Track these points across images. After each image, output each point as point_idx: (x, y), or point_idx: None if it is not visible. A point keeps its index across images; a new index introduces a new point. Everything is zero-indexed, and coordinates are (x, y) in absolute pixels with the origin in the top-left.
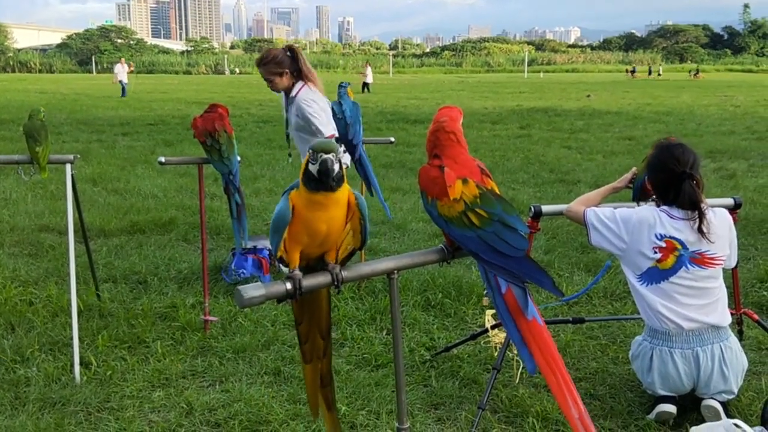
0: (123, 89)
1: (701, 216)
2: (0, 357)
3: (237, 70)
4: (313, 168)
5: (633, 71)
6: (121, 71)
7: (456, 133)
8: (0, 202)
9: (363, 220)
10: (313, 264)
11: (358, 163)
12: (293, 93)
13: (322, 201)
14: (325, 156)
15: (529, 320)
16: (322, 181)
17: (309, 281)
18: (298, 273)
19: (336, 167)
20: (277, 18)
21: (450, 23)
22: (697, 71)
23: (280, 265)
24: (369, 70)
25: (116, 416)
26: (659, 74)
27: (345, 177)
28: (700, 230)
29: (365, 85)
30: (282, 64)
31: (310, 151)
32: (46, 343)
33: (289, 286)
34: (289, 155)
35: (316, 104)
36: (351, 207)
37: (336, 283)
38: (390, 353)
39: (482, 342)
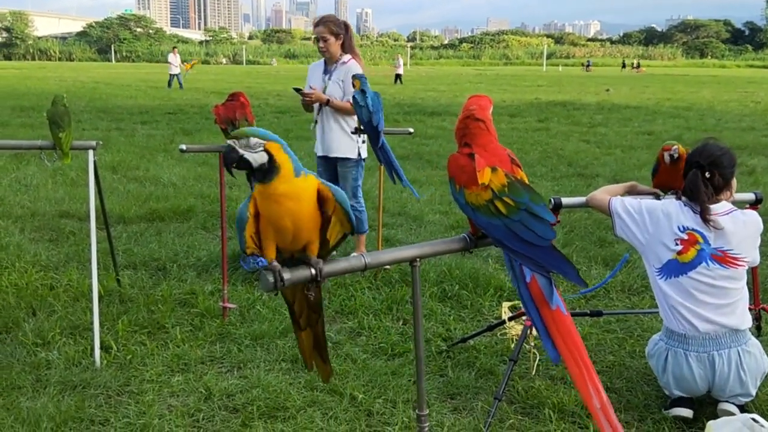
0: (175, 79)
1: (702, 207)
2: (22, 340)
3: (224, 61)
4: None
5: (588, 65)
6: (175, 62)
7: (485, 122)
8: (21, 188)
9: (346, 213)
10: (299, 257)
11: (380, 150)
12: (342, 61)
13: (273, 194)
14: (228, 141)
15: (553, 309)
16: (226, 168)
17: (292, 274)
18: (276, 265)
19: (235, 154)
20: (295, 9)
21: (468, 15)
22: (638, 65)
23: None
24: (401, 62)
25: (136, 400)
26: (633, 66)
27: (289, 170)
28: (704, 219)
29: (398, 76)
30: (340, 28)
31: None
32: (66, 327)
33: (313, 271)
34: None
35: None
36: (330, 201)
37: (317, 277)
38: (406, 343)
39: (499, 333)
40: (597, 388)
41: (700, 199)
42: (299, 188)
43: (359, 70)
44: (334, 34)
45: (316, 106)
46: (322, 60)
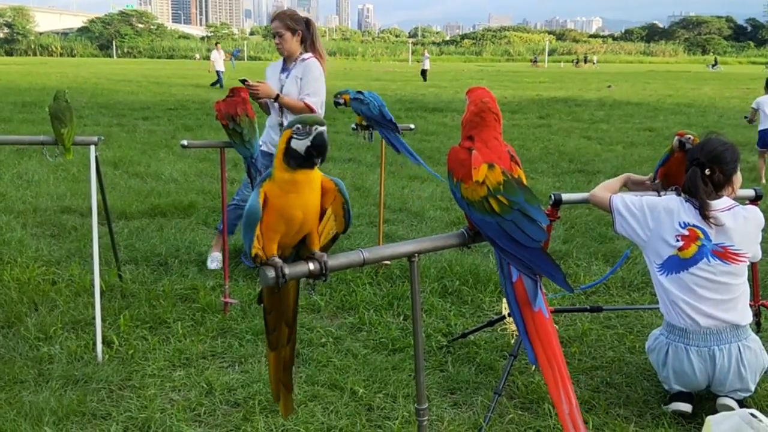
0: (219, 79)
1: (702, 205)
2: (24, 335)
3: (197, 56)
4: (301, 143)
5: (535, 61)
6: (218, 59)
7: (498, 115)
8: (23, 183)
9: (346, 204)
10: (288, 255)
11: (395, 140)
12: (302, 57)
13: (300, 181)
14: (320, 128)
15: (534, 311)
16: (313, 156)
17: (292, 270)
18: (278, 260)
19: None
20: (296, 4)
21: (470, 11)
22: (577, 60)
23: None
24: (427, 56)
25: (138, 394)
26: (594, 63)
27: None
28: (704, 216)
29: (423, 72)
30: (297, 23)
31: (298, 125)
32: (68, 322)
33: (311, 266)
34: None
35: (322, 76)
36: (331, 192)
37: (323, 270)
38: (407, 338)
39: (499, 329)
40: (568, 393)
41: (699, 197)
42: (314, 177)
43: (319, 69)
44: (290, 30)
45: (277, 106)
46: (281, 60)
